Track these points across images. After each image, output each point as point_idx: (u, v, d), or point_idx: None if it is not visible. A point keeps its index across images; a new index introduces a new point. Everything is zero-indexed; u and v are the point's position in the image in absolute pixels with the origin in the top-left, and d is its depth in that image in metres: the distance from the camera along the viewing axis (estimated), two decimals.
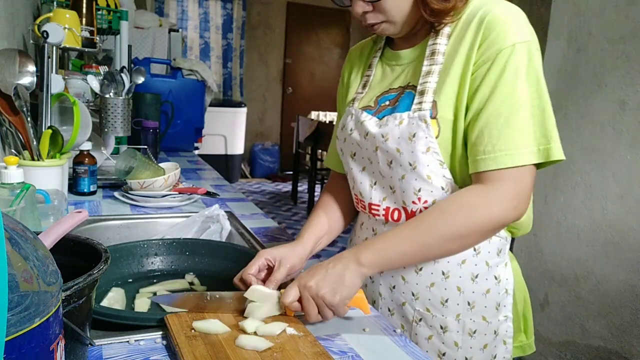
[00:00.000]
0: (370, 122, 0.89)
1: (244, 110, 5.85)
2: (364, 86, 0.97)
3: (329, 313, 0.77)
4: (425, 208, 0.85)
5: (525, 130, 0.77)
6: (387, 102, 0.90)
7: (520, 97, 0.77)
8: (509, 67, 0.77)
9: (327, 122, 5.12)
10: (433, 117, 0.82)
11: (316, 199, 5.06)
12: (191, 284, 1.01)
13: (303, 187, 5.73)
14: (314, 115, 5.96)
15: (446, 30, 0.85)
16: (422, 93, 0.83)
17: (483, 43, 0.79)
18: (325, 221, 1.01)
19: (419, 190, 0.85)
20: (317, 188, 5.24)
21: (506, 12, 0.79)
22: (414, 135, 0.82)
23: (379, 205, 0.92)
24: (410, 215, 0.87)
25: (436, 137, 0.82)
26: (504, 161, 0.77)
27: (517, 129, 0.77)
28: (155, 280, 1.02)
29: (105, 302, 0.89)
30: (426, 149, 0.82)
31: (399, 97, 0.88)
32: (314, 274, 0.77)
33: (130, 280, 1.01)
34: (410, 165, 0.84)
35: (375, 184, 0.92)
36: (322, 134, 4.76)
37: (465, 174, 0.84)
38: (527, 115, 0.77)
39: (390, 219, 0.91)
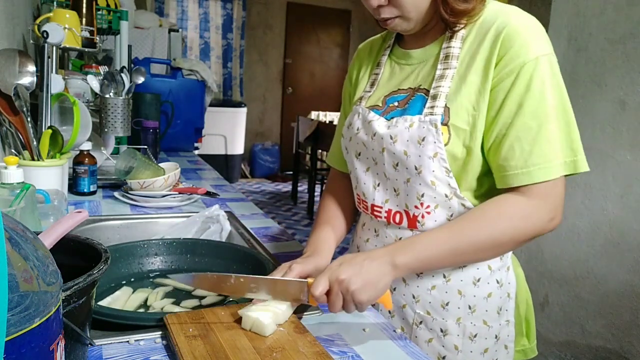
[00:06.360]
0: (379, 123, 0.88)
1: (244, 110, 5.85)
2: (372, 84, 0.96)
3: (352, 308, 0.75)
4: (428, 213, 0.85)
5: (554, 143, 0.77)
6: (396, 103, 0.89)
7: (548, 110, 0.77)
8: (534, 80, 0.76)
9: (327, 122, 5.10)
10: (444, 124, 0.81)
11: (316, 199, 5.07)
12: None
13: (303, 187, 5.73)
14: (314, 115, 5.95)
15: (460, 33, 0.83)
16: (434, 97, 0.82)
17: (504, 56, 0.78)
18: (332, 235, 0.98)
19: (422, 196, 0.84)
20: (317, 188, 5.24)
21: (525, 24, 0.78)
22: (423, 139, 0.81)
23: (381, 207, 0.91)
24: (412, 219, 0.87)
25: (445, 145, 0.80)
26: (537, 175, 0.77)
27: (546, 142, 0.77)
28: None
29: (106, 301, 0.89)
30: (433, 154, 0.81)
31: (409, 99, 0.87)
32: (348, 268, 0.74)
33: (133, 280, 1.01)
34: (416, 169, 0.83)
35: (378, 185, 0.91)
36: (322, 134, 4.75)
37: (471, 184, 0.84)
38: (555, 128, 0.77)
39: (392, 221, 0.90)
